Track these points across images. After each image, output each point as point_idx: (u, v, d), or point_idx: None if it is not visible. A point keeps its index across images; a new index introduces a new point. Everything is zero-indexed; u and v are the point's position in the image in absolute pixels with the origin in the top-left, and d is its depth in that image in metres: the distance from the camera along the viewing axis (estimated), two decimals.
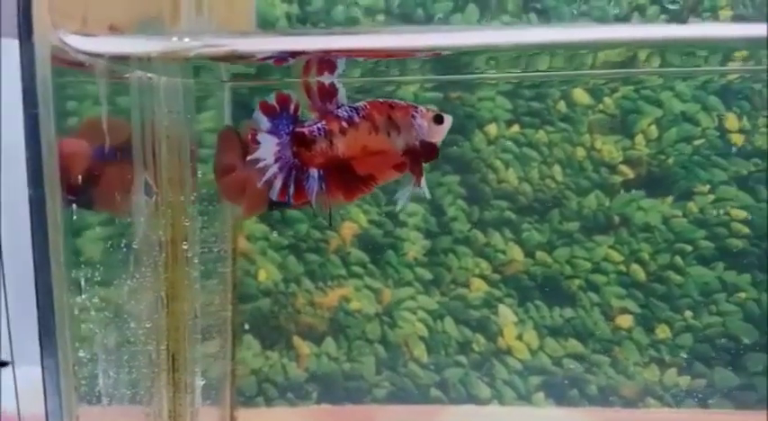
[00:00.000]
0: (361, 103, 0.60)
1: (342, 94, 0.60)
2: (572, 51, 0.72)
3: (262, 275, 0.92)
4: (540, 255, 0.91)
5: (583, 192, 0.91)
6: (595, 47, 0.68)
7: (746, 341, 0.90)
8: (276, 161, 0.57)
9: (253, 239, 0.91)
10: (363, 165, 0.59)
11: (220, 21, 0.63)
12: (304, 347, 0.93)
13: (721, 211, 0.89)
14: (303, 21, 0.91)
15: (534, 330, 0.92)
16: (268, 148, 0.57)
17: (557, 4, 0.89)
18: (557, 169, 0.91)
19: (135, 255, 0.53)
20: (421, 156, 0.60)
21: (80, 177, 0.50)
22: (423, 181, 0.60)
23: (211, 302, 0.71)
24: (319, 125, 0.59)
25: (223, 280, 0.76)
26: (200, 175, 0.65)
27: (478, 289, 0.92)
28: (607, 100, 0.89)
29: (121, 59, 0.49)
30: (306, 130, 0.58)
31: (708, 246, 0.90)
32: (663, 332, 0.90)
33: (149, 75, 0.52)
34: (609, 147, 0.90)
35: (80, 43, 0.45)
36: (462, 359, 0.93)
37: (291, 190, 0.58)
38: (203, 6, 0.54)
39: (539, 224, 0.91)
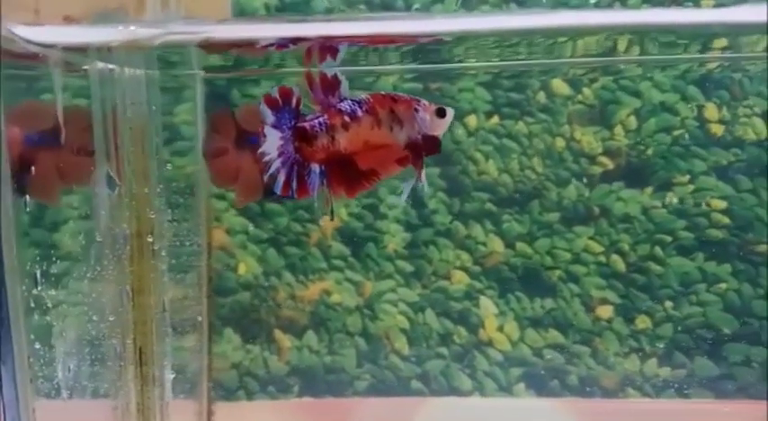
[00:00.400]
0: (363, 96, 0.59)
1: (344, 87, 0.59)
2: (553, 38, 0.71)
3: (242, 269, 0.91)
4: (520, 246, 0.91)
5: (562, 183, 0.90)
6: (584, 32, 0.67)
7: (726, 331, 0.90)
8: (279, 155, 0.57)
9: (232, 233, 0.91)
10: (366, 160, 0.58)
11: (190, 12, 0.62)
12: (285, 341, 0.92)
13: (701, 202, 0.90)
14: (282, 11, 0.91)
15: (515, 321, 0.92)
16: (272, 142, 0.56)
17: None
18: (536, 160, 0.91)
19: (97, 248, 0.53)
20: (423, 149, 0.59)
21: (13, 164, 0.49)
22: (423, 174, 0.60)
23: (185, 296, 0.71)
24: (321, 120, 0.58)
25: (197, 273, 0.75)
26: (168, 168, 0.64)
27: (459, 281, 0.92)
28: (586, 90, 0.89)
29: (79, 50, 0.48)
30: (307, 125, 0.58)
31: (687, 237, 0.90)
32: (643, 322, 0.91)
33: (110, 66, 0.52)
34: (588, 138, 0.90)
35: (31, 34, 0.45)
36: (443, 351, 0.93)
37: (294, 185, 0.58)
38: None
39: (519, 215, 0.91)
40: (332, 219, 0.88)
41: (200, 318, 0.74)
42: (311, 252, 0.92)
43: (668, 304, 0.90)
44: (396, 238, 0.92)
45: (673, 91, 0.89)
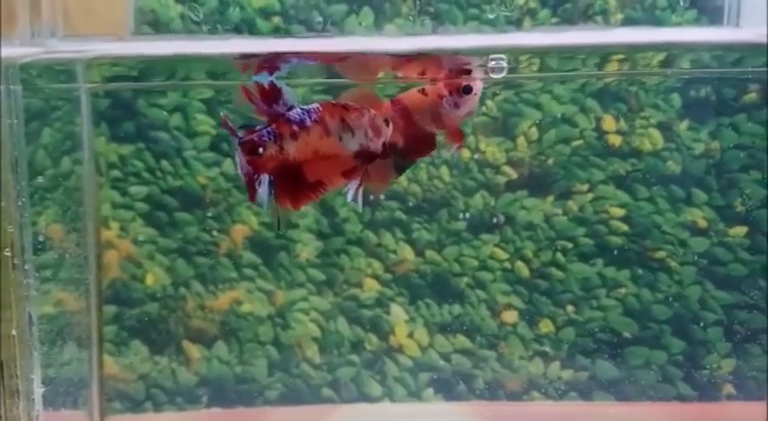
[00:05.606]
0: (314, 105, 0.59)
1: (288, 94, 0.58)
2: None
3: (149, 279, 0.91)
4: (429, 253, 0.93)
5: (469, 193, 0.93)
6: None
7: (627, 335, 0.93)
8: (244, 171, 0.58)
9: (139, 243, 0.90)
10: (313, 171, 0.58)
11: (79, 27, 0.62)
12: (194, 351, 0.92)
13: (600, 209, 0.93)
14: (197, 22, 0.91)
15: (424, 327, 0.94)
16: (239, 163, 0.58)
17: (449, 7, 0.91)
18: (444, 170, 0.93)
19: None
20: (371, 157, 0.59)
21: None
22: (359, 189, 0.60)
23: (67, 309, 0.70)
24: (268, 129, 0.57)
25: (82, 285, 0.74)
26: (40, 180, 0.63)
27: (371, 288, 0.94)
28: (489, 103, 0.92)
29: None
30: (255, 137, 0.57)
31: (588, 243, 0.93)
32: (546, 326, 0.93)
33: None
34: (492, 149, 0.92)
35: None
36: (354, 358, 0.94)
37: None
38: (41, 14, 0.53)
39: (428, 224, 0.93)
40: (279, 230, 0.88)
41: (88, 331, 0.73)
42: (221, 261, 0.92)
43: (570, 308, 0.93)
44: (308, 247, 0.93)
45: (572, 103, 0.92)
